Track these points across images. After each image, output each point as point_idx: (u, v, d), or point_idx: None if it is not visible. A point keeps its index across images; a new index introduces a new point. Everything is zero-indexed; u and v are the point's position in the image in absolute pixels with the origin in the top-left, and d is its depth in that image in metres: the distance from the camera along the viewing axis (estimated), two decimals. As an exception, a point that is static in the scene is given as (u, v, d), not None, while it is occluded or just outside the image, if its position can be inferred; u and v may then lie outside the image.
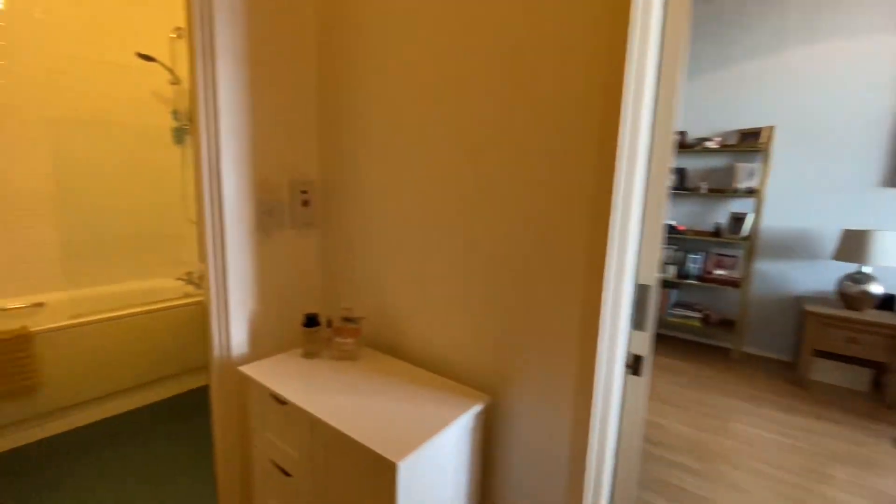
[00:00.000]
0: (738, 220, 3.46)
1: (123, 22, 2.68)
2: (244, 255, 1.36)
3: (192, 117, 1.28)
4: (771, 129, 3.31)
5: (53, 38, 2.45)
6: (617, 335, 0.94)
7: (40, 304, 2.52)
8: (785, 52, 3.27)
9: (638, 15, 0.81)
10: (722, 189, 3.56)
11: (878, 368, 2.97)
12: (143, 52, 2.70)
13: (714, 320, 3.61)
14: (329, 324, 1.39)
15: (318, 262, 1.61)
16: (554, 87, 0.97)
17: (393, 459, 0.86)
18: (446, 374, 1.28)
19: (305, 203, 1.51)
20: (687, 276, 3.69)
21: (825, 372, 3.14)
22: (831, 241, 3.23)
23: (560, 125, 0.96)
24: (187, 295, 2.69)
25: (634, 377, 1.00)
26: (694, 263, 3.70)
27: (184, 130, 2.94)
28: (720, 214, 3.66)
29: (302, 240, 1.54)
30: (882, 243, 2.78)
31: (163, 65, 2.77)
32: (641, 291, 0.97)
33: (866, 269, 2.94)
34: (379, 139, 1.35)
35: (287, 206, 1.47)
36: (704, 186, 3.60)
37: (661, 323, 3.83)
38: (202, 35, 1.20)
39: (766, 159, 3.33)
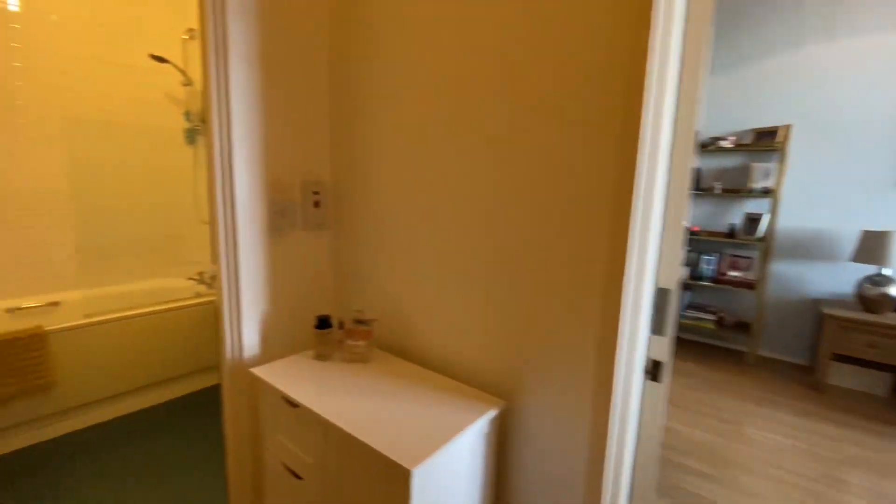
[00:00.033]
0: (753, 220, 3.40)
1: (137, 24, 2.70)
2: (256, 255, 1.36)
3: (204, 118, 1.28)
4: (788, 127, 3.25)
5: (68, 41, 2.48)
6: (636, 340, 0.92)
7: (55, 304, 2.55)
8: (802, 49, 3.20)
9: (661, 8, 0.79)
10: (736, 189, 3.50)
11: (899, 373, 2.90)
12: (156, 53, 2.72)
13: (728, 322, 3.55)
14: (341, 325, 1.38)
15: (330, 264, 1.60)
16: (573, 85, 0.94)
17: (407, 466, 0.84)
18: (459, 377, 1.26)
19: (317, 204, 1.50)
20: (700, 278, 3.63)
21: (843, 376, 3.07)
22: (850, 243, 3.16)
23: (579, 124, 0.94)
24: (199, 295, 2.71)
25: (653, 383, 0.98)
26: (707, 265, 3.64)
27: (196, 131, 2.96)
28: (734, 215, 3.60)
29: (314, 241, 1.53)
30: (903, 245, 2.71)
31: (175, 66, 2.79)
32: (661, 295, 0.95)
33: (886, 272, 2.87)
34: (392, 139, 1.34)
35: (299, 207, 1.47)
36: (718, 186, 3.54)
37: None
38: (215, 35, 1.20)
39: (782, 159, 3.26)
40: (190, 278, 2.99)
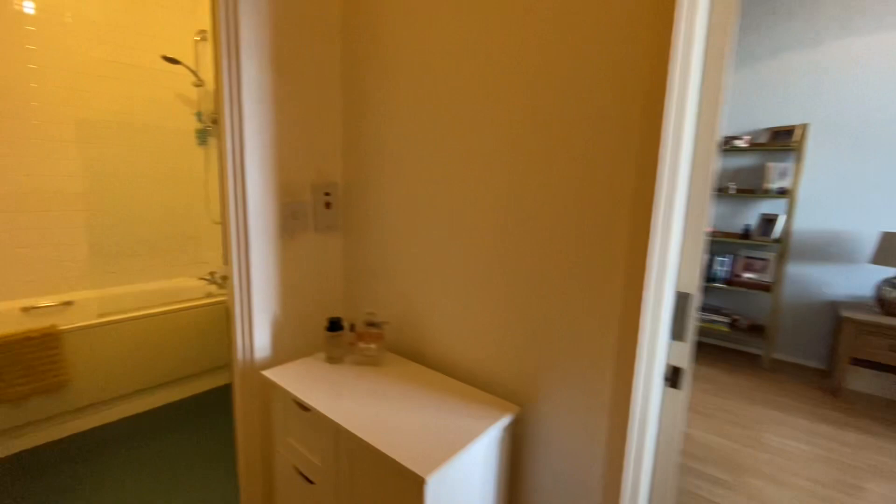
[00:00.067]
0: (768, 221, 3.34)
1: (149, 26, 2.72)
2: (268, 257, 1.35)
3: (217, 118, 1.28)
4: (805, 126, 3.18)
5: (82, 43, 2.50)
6: (656, 346, 0.89)
7: (69, 303, 2.57)
8: (820, 46, 3.13)
9: (685, 1, 0.76)
10: (751, 189, 3.44)
11: (921, 378, 2.82)
12: (168, 55, 2.74)
13: (742, 325, 3.49)
14: (352, 328, 1.37)
15: (341, 265, 1.59)
16: (591, 83, 0.92)
17: (421, 474, 0.83)
18: (472, 382, 1.24)
19: (328, 205, 1.50)
20: (714, 280, 3.58)
21: (862, 381, 3.00)
22: (869, 244, 3.08)
23: (599, 124, 0.92)
24: (210, 295, 2.72)
25: (673, 390, 0.95)
26: (721, 266, 3.58)
27: (207, 132, 2.97)
28: (749, 216, 3.54)
29: (324, 242, 1.52)
30: (926, 247, 2.63)
31: (187, 67, 2.80)
32: (681, 300, 0.92)
33: (908, 274, 2.79)
34: (404, 140, 1.32)
35: (310, 209, 1.46)
36: (733, 187, 3.48)
37: (687, 327, 3.72)
38: (227, 36, 1.19)
39: (799, 158, 3.20)
40: (201, 278, 3.01)
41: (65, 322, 2.13)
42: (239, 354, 1.34)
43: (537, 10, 0.98)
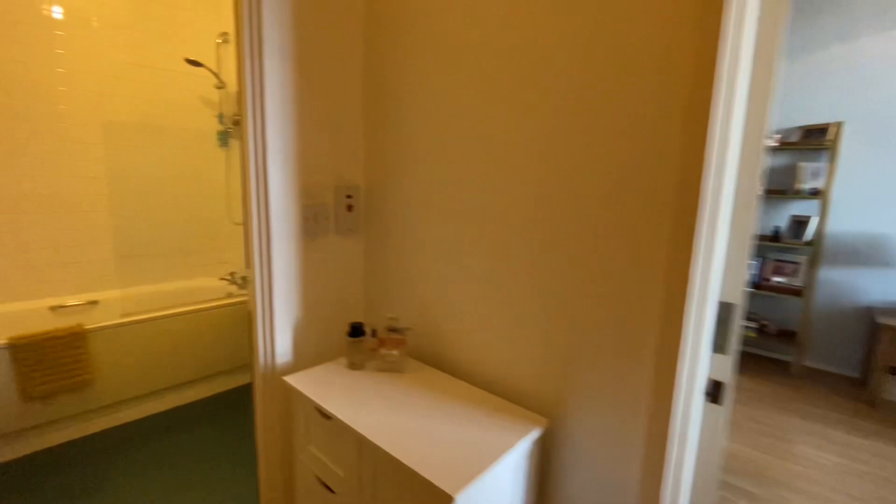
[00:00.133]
0: (800, 223, 3.22)
1: (173, 29, 2.75)
2: (289, 261, 1.34)
3: (239, 119, 1.27)
4: (839, 125, 3.05)
5: (108, 46, 2.54)
6: (698, 359, 0.84)
7: (94, 302, 2.62)
8: (855, 41, 3.00)
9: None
10: (782, 190, 3.32)
11: (966, 390, 2.67)
12: (191, 57, 2.77)
13: (771, 331, 3.37)
14: (374, 333, 1.35)
15: (362, 269, 1.57)
16: (630, 77, 0.87)
17: (450, 492, 0.79)
18: (497, 391, 1.20)
19: (350, 208, 1.47)
20: (741, 284, 3.46)
21: (900, 391, 2.86)
22: (908, 248, 2.94)
23: (638, 120, 0.87)
24: (230, 295, 2.74)
25: (714, 405, 0.90)
26: (749, 269, 3.46)
27: (228, 134, 2.99)
28: (780, 217, 3.41)
29: (346, 246, 1.50)
30: (974, 251, 2.49)
31: (209, 69, 2.83)
32: (724, 310, 0.87)
33: (952, 280, 2.65)
34: (428, 142, 1.29)
35: (332, 211, 1.44)
36: (762, 187, 3.36)
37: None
38: (250, 36, 1.18)
39: (832, 158, 3.07)
40: (222, 278, 3.04)
41: (90, 321, 2.16)
42: (260, 359, 1.33)
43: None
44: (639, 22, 0.84)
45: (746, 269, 0.86)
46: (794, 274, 3.34)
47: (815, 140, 3.11)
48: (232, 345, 2.65)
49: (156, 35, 2.69)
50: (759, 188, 0.83)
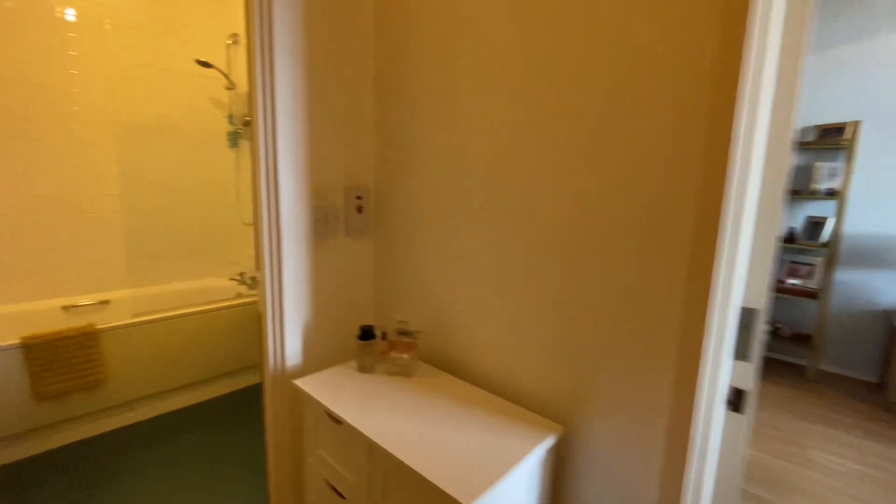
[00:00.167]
0: (816, 224, 3.15)
1: (183, 30, 2.76)
2: (299, 262, 1.33)
3: (250, 120, 1.26)
4: (856, 124, 2.99)
5: (120, 48, 2.56)
6: (719, 366, 0.81)
7: (106, 302, 2.64)
8: (873, 38, 2.93)
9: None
10: (797, 190, 3.26)
11: None
12: (201, 58, 2.78)
13: (786, 334, 3.31)
14: (384, 336, 1.33)
15: (372, 271, 1.56)
16: (651, 65, 0.85)
17: (463, 502, 0.77)
18: (509, 397, 1.18)
19: (360, 209, 1.46)
20: (755, 285, 3.40)
21: (920, 396, 2.79)
22: (929, 250, 2.87)
23: (660, 115, 0.84)
24: (240, 295, 2.74)
25: (735, 414, 0.87)
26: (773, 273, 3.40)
27: (238, 135, 3.00)
28: (795, 218, 3.35)
29: (356, 247, 1.49)
30: None
31: (219, 70, 2.83)
32: (747, 315, 0.84)
33: (976, 283, 2.58)
34: (439, 142, 1.28)
35: (342, 213, 1.43)
36: (788, 187, 3.30)
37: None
38: (261, 36, 1.17)
39: (850, 158, 3.01)
40: (231, 279, 3.04)
41: (102, 321, 2.17)
42: (270, 362, 1.32)
43: None
44: (662, 16, 0.82)
45: (770, 273, 0.83)
46: (809, 276, 3.27)
47: (831, 139, 3.05)
48: (241, 345, 2.65)
49: (166, 37, 2.70)
50: (784, 188, 0.80)
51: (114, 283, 2.71)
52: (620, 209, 0.91)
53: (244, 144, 3.02)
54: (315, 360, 1.42)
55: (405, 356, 1.26)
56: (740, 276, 0.81)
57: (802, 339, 3.25)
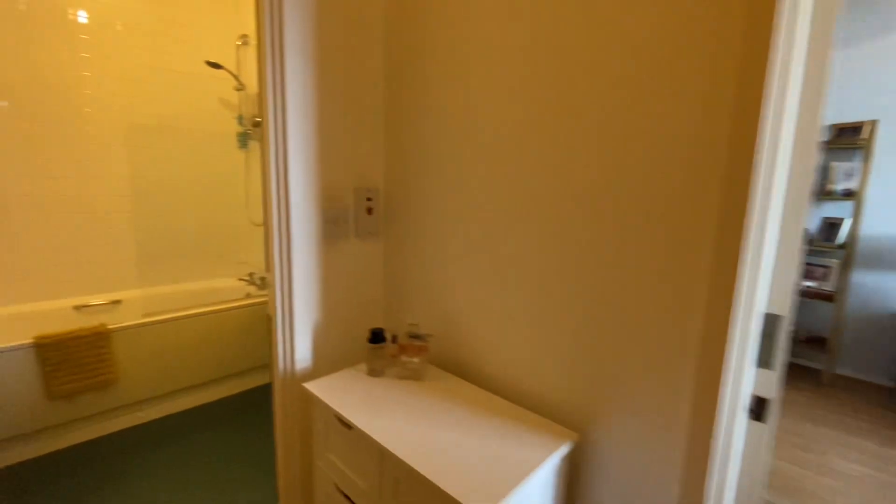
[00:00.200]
0: (832, 225, 3.10)
1: (193, 32, 2.77)
2: (309, 265, 1.32)
3: (260, 121, 1.25)
4: (874, 123, 2.93)
5: (131, 50, 2.57)
6: (742, 374, 0.79)
7: (118, 302, 2.65)
8: (891, 36, 2.87)
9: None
10: (812, 191, 3.20)
11: None
12: (211, 59, 2.78)
13: (801, 337, 3.25)
14: (394, 339, 1.32)
15: (382, 273, 1.54)
16: (674, 57, 0.83)
17: (479, 511, 0.76)
18: (524, 403, 1.16)
19: (370, 211, 1.45)
20: (768, 288, 3.34)
21: (940, 402, 2.73)
22: (951, 252, 2.80)
23: (681, 109, 0.81)
24: (249, 295, 2.75)
25: (757, 423, 0.85)
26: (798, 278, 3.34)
27: (248, 135, 3.01)
28: (810, 219, 3.29)
29: (366, 249, 1.48)
30: None
31: (229, 72, 2.84)
32: (770, 322, 0.81)
33: None
34: (450, 142, 1.26)
35: (352, 214, 1.42)
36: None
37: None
38: (272, 36, 1.16)
39: (867, 158, 2.95)
40: (241, 279, 3.05)
41: (113, 321, 2.18)
42: (280, 364, 1.31)
43: None
44: (686, 9, 0.79)
45: (795, 278, 0.80)
46: (825, 278, 3.21)
47: (848, 139, 2.99)
48: (250, 345, 2.66)
49: (177, 38, 2.72)
50: (810, 189, 0.77)
51: (125, 282, 2.72)
52: (640, 212, 0.88)
53: (253, 145, 3.03)
54: (325, 363, 1.41)
55: (416, 360, 1.24)
56: (764, 281, 0.78)
57: (818, 343, 3.19)
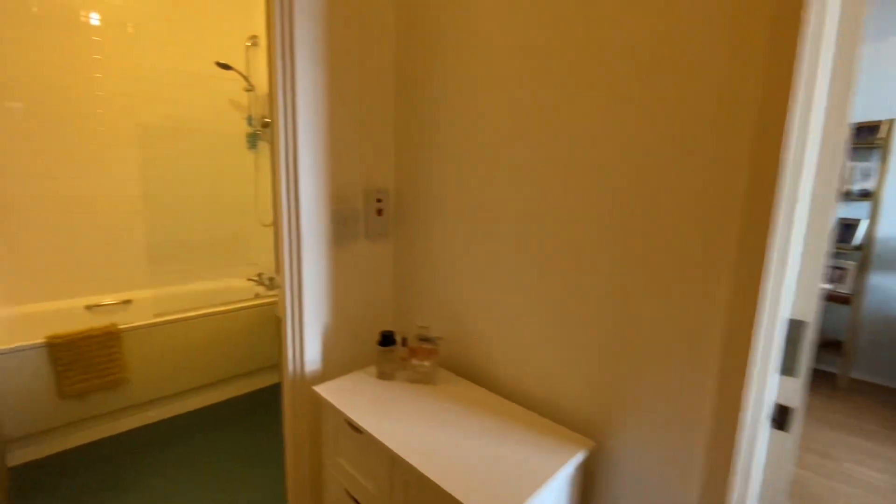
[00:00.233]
0: (848, 226, 3.03)
1: (204, 33, 2.78)
2: (319, 266, 1.31)
3: (269, 121, 1.25)
4: (892, 122, 2.86)
5: (142, 51, 2.58)
6: (765, 382, 0.76)
7: (128, 301, 2.67)
8: (910, 32, 2.80)
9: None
10: (828, 192, 3.14)
11: None
12: (221, 60, 2.79)
13: (816, 340, 3.19)
14: (404, 342, 1.30)
15: (391, 275, 1.53)
16: (698, 47, 0.80)
17: (493, 522, 0.74)
18: (537, 408, 1.14)
19: (380, 212, 1.44)
20: (782, 290, 3.29)
21: (961, 408, 2.66)
22: (972, 254, 2.73)
23: (705, 106, 0.79)
24: (258, 296, 2.75)
25: (780, 432, 0.82)
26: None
27: (257, 136, 3.01)
28: (825, 220, 3.23)
29: (376, 251, 1.47)
30: None
31: (239, 72, 2.85)
32: (795, 328, 0.78)
33: None
34: (462, 142, 1.24)
35: (361, 216, 1.40)
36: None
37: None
38: (282, 36, 1.15)
39: (885, 157, 2.88)
40: (249, 279, 3.06)
41: (124, 321, 2.19)
42: (290, 367, 1.30)
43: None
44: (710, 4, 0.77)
45: (820, 283, 0.78)
46: (840, 280, 3.15)
47: (865, 138, 2.93)
48: (259, 345, 2.66)
49: (187, 40, 2.73)
50: (838, 189, 0.74)
51: (136, 282, 2.74)
52: (660, 213, 0.86)
53: (262, 146, 3.04)
54: (334, 366, 1.40)
55: (426, 363, 1.23)
56: (789, 286, 0.76)
57: (833, 346, 3.13)
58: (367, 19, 1.32)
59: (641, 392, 0.92)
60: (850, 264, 3.10)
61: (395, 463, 0.97)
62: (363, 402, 1.13)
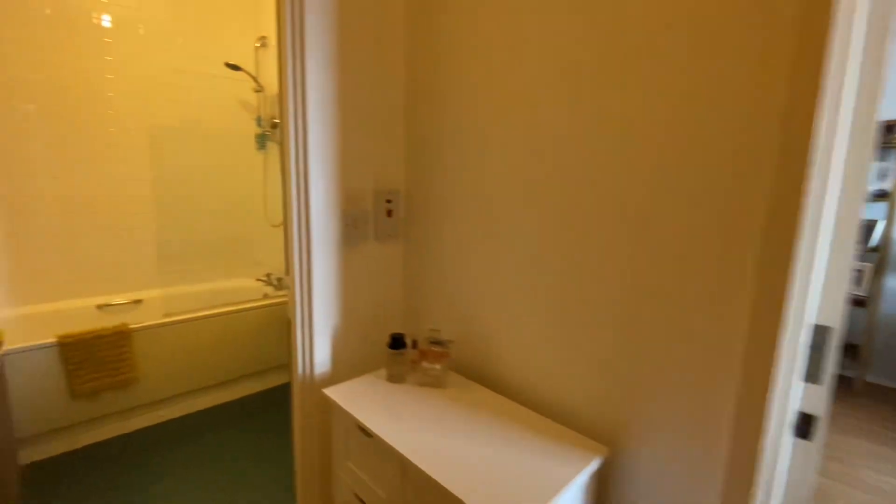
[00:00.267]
0: (864, 227, 2.97)
1: (213, 34, 2.79)
2: (329, 267, 1.30)
3: (279, 122, 1.24)
4: (911, 121, 2.80)
5: (153, 52, 2.60)
6: (789, 389, 0.74)
7: (139, 301, 2.69)
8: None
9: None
10: (844, 192, 3.08)
11: None
12: (231, 61, 2.80)
13: (830, 343, 3.13)
14: (414, 345, 1.29)
15: (401, 277, 1.52)
16: (719, 39, 0.78)
17: (509, 531, 0.72)
18: (548, 413, 1.12)
19: (390, 213, 1.43)
20: (796, 292, 3.23)
21: (982, 413, 2.60)
22: None
23: (726, 104, 0.76)
24: (267, 296, 2.76)
25: (803, 442, 0.80)
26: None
27: (266, 137, 3.02)
28: (840, 221, 3.17)
29: (386, 252, 1.46)
30: None
31: (248, 73, 2.85)
32: (820, 334, 0.76)
33: None
34: (473, 143, 1.23)
35: (371, 217, 1.39)
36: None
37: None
38: (293, 37, 1.14)
39: (903, 157, 2.82)
40: (258, 279, 3.06)
41: (134, 321, 2.20)
42: (299, 369, 1.30)
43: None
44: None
45: (847, 287, 0.75)
46: (857, 282, 3.08)
47: (882, 138, 2.87)
48: (268, 345, 2.66)
49: (197, 41, 2.74)
50: (864, 194, 0.72)
51: (146, 282, 2.76)
52: (679, 216, 0.84)
53: (272, 146, 3.04)
54: (344, 368, 1.39)
55: (437, 366, 1.21)
56: (815, 290, 0.73)
57: (849, 350, 3.06)
58: (378, 21, 1.31)
59: (659, 398, 0.89)
60: (867, 266, 3.04)
61: (406, 469, 0.96)
62: (374, 405, 1.12)
